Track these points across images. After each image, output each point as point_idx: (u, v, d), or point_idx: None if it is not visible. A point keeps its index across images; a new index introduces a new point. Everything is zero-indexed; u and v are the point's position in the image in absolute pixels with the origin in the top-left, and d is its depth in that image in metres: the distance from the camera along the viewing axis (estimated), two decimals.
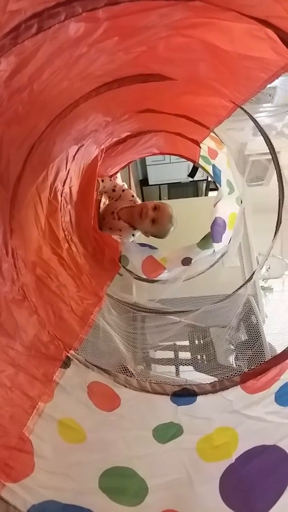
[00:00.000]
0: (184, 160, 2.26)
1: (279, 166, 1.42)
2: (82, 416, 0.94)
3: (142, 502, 0.75)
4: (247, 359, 1.80)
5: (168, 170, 4.30)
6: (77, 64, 0.87)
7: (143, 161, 4.22)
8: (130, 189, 2.17)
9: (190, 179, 4.10)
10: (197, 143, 1.83)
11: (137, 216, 1.79)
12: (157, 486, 0.79)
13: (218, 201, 1.72)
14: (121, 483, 0.81)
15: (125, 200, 1.92)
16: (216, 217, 1.70)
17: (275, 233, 1.64)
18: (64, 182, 1.44)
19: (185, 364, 2.08)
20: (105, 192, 1.97)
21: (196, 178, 4.26)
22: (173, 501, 0.76)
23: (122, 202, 1.91)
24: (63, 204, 1.47)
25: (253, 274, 1.99)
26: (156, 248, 1.87)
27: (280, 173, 1.41)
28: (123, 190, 1.96)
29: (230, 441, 0.87)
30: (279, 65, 0.90)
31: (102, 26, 0.75)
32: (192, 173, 2.41)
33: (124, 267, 1.78)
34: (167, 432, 0.92)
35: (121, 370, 1.17)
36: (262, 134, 1.38)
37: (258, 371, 1.03)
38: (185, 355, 2.11)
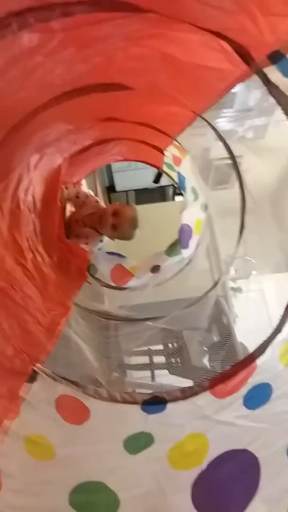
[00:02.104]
0: (150, 166, 2.27)
1: (239, 171, 1.45)
2: (50, 431, 0.92)
3: None
4: (221, 360, 1.83)
5: (135, 176, 4.30)
6: (33, 74, 0.86)
7: (109, 168, 4.21)
8: (97, 196, 2.15)
9: (157, 184, 4.13)
10: (161, 151, 1.85)
11: (98, 222, 1.77)
12: (129, 498, 0.78)
13: (184, 210, 1.74)
14: (92, 498, 0.80)
15: (90, 207, 1.90)
16: (182, 224, 1.72)
17: (240, 236, 1.69)
18: (27, 191, 1.41)
19: (160, 368, 2.08)
20: (69, 200, 1.94)
21: (162, 183, 4.30)
22: None
23: (87, 209, 1.89)
24: (26, 214, 1.44)
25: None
26: (125, 257, 1.87)
27: (240, 178, 1.45)
28: (87, 197, 1.94)
29: (201, 447, 0.88)
30: (235, 76, 0.93)
31: (57, 36, 0.75)
32: (156, 179, 2.42)
33: (92, 276, 1.77)
34: (138, 443, 0.91)
35: (93, 381, 1.15)
36: (221, 141, 1.40)
37: (227, 375, 1.04)
38: (159, 359, 2.10)
